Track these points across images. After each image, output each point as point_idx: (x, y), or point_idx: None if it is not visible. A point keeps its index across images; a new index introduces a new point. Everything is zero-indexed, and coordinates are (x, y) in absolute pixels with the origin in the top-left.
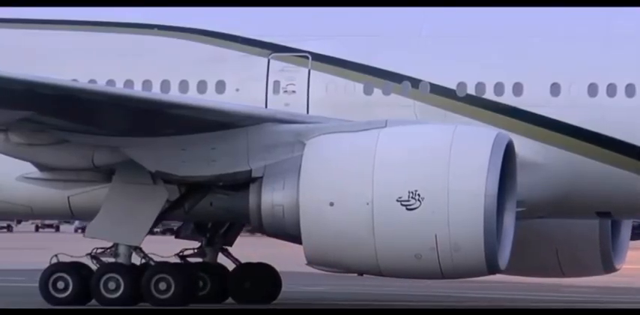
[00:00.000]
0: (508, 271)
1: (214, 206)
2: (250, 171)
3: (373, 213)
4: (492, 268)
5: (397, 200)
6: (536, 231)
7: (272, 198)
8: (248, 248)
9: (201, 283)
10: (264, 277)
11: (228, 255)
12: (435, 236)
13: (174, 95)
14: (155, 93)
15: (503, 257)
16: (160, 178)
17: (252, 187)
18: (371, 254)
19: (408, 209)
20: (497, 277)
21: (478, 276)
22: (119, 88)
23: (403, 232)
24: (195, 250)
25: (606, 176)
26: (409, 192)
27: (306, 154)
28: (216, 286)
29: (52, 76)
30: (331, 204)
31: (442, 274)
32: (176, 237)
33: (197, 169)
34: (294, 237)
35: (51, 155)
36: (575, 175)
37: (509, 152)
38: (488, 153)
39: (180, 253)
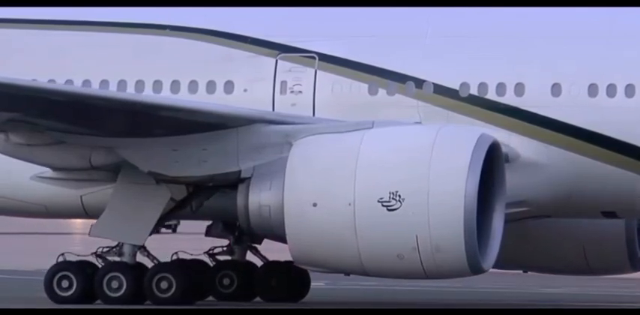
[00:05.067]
0: (537, 269)
1: (204, 206)
2: (240, 171)
3: (355, 214)
4: (475, 268)
5: (378, 201)
6: (562, 230)
7: (259, 198)
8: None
9: (228, 281)
10: (291, 275)
11: (256, 253)
12: (416, 237)
13: (165, 97)
14: (147, 95)
15: (489, 258)
16: (152, 178)
17: (241, 188)
18: (354, 255)
19: (388, 210)
20: (530, 274)
21: (462, 276)
22: (111, 90)
23: (385, 232)
24: (225, 248)
25: (608, 176)
26: (390, 193)
27: (291, 155)
28: (243, 284)
29: (61, 76)
30: (314, 205)
31: (425, 275)
32: (206, 235)
33: (188, 170)
34: (281, 237)
35: (49, 155)
36: (578, 175)
37: (494, 153)
38: (469, 154)
39: (210, 251)
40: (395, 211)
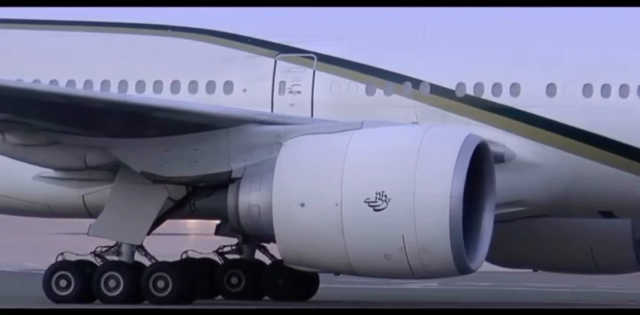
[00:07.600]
0: (546, 268)
1: (203, 206)
2: (231, 172)
3: (342, 214)
4: (462, 268)
5: (365, 201)
6: (570, 230)
7: (249, 198)
8: None
9: (236, 280)
10: (299, 274)
11: (265, 251)
12: (403, 237)
13: (156, 98)
14: (138, 96)
15: (477, 258)
16: (145, 178)
17: (231, 188)
18: (342, 254)
19: (375, 210)
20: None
21: (450, 276)
22: (101, 91)
23: (372, 232)
24: (233, 247)
25: (604, 176)
26: (376, 193)
27: (280, 156)
28: (251, 283)
29: (63, 77)
30: (302, 205)
31: (413, 274)
32: (215, 234)
33: (180, 170)
34: (271, 237)
35: (45, 156)
36: (574, 175)
37: (482, 153)
38: (455, 154)
39: (219, 250)
40: (381, 212)
